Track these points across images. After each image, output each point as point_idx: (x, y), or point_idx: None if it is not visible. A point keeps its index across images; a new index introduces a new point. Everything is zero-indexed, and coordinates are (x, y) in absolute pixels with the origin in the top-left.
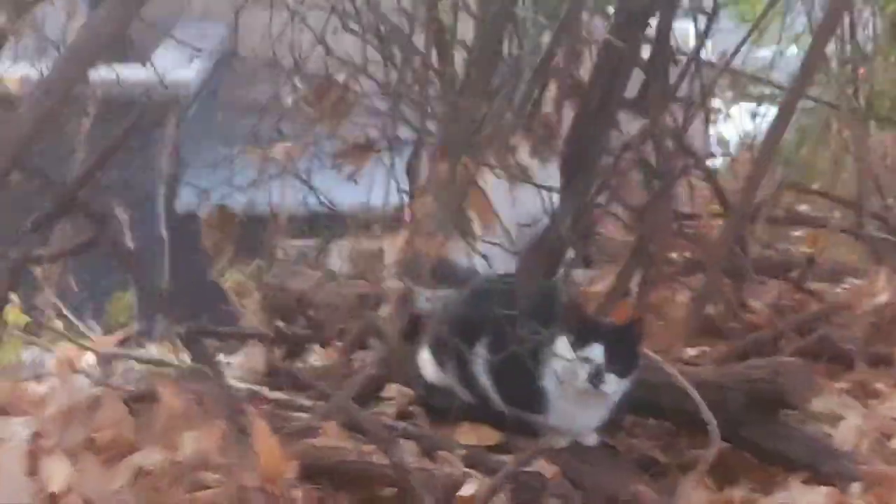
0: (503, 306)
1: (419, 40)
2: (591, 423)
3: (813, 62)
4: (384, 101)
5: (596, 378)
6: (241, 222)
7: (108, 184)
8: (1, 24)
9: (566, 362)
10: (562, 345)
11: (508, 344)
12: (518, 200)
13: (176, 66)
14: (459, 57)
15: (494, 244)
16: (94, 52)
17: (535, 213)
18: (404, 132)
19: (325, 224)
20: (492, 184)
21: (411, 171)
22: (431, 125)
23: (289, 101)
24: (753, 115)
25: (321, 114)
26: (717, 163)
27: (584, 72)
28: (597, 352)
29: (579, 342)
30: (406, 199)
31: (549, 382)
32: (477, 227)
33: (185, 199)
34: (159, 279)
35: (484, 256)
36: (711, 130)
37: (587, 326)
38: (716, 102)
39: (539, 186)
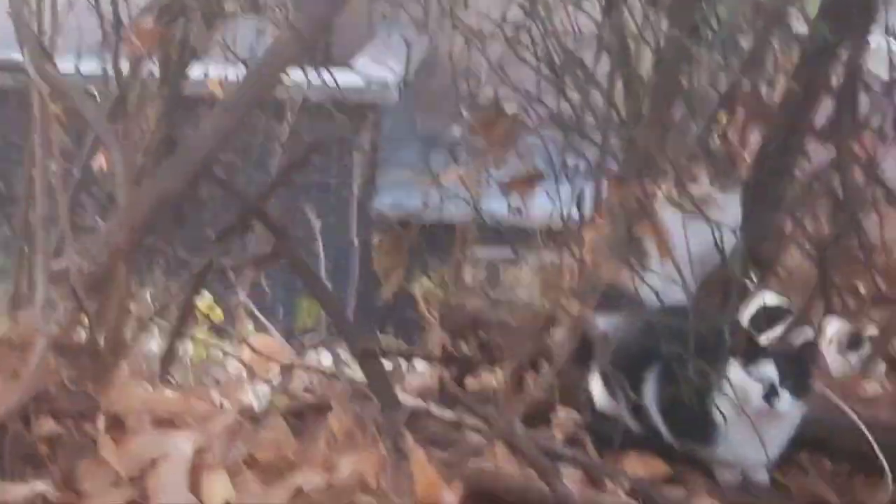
0: (675, 338)
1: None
2: (763, 454)
3: None
4: (555, 130)
5: (771, 395)
6: (425, 233)
7: (306, 188)
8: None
9: (739, 383)
10: (733, 369)
11: (679, 375)
12: (694, 233)
13: (376, 70)
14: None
15: (667, 277)
16: (285, 62)
17: (710, 246)
18: (573, 159)
19: (511, 235)
20: (669, 216)
21: (581, 200)
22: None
23: (457, 131)
24: None
25: (490, 143)
26: None
27: (773, 97)
28: (769, 370)
29: (750, 363)
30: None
31: (720, 410)
32: (652, 259)
33: (383, 203)
34: (349, 285)
35: (653, 289)
36: None
37: (758, 348)
38: None
39: (713, 221)
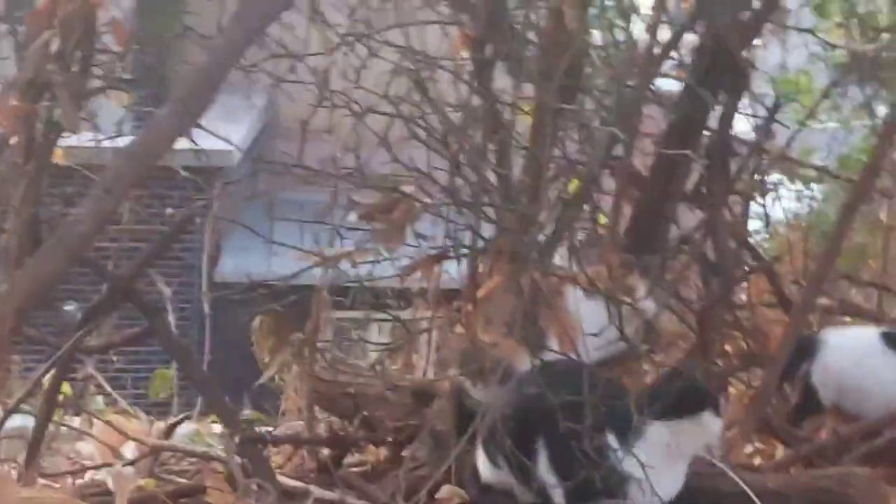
0: (569, 407)
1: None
2: None
3: (876, 165)
4: (449, 208)
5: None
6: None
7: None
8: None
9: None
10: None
11: (573, 443)
12: (587, 311)
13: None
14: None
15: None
16: (156, 152)
17: (602, 323)
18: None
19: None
20: (570, 293)
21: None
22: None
23: (351, 215)
24: (799, 196)
25: (387, 227)
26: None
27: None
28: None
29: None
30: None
31: (617, 475)
32: (553, 338)
33: (228, 268)
34: (201, 353)
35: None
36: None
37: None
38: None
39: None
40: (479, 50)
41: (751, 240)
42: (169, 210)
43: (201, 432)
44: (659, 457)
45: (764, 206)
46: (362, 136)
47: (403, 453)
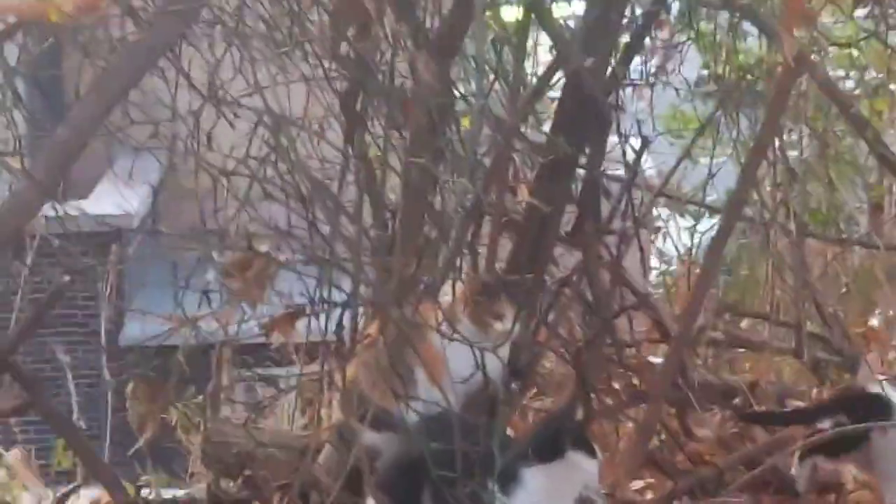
0: (445, 457)
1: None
2: None
3: (744, 187)
4: (310, 265)
5: None
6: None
7: (51, 322)
8: None
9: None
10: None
11: (451, 494)
12: (452, 350)
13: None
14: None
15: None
16: (15, 225)
17: (469, 368)
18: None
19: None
20: (437, 340)
21: (340, 330)
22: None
23: (210, 274)
24: (691, 232)
25: (245, 284)
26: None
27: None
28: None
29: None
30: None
31: None
32: (419, 384)
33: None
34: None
35: (420, 413)
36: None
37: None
38: (658, 218)
39: (474, 344)
40: (349, 106)
41: (646, 276)
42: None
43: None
44: (541, 501)
45: (654, 243)
46: (229, 197)
47: None
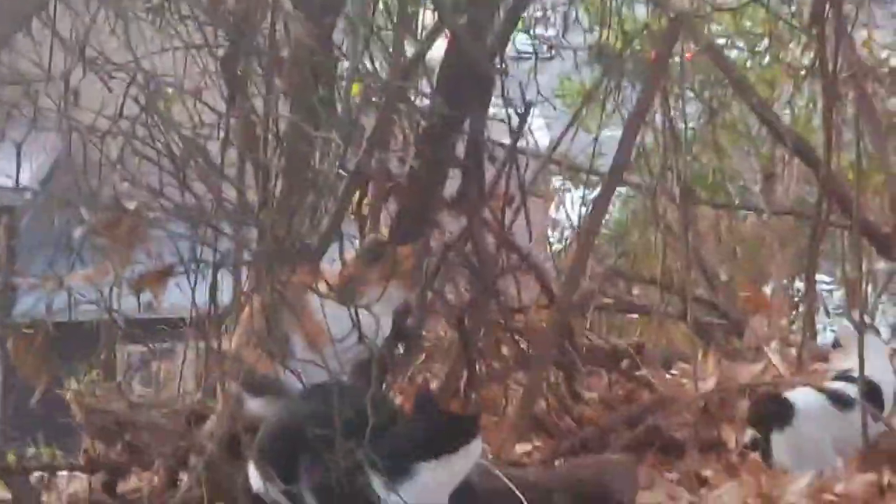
0: (324, 421)
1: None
2: None
3: (625, 151)
4: (183, 224)
5: None
6: (65, 334)
7: None
8: None
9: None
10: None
11: (328, 458)
12: (331, 317)
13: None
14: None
15: (309, 361)
16: None
17: (346, 328)
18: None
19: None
20: (314, 301)
21: (214, 292)
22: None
23: (77, 233)
24: (583, 201)
25: (114, 243)
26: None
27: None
28: None
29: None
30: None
31: (373, 489)
32: (297, 345)
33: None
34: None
35: (294, 372)
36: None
37: None
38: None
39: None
40: (229, 67)
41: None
42: None
43: None
44: (431, 494)
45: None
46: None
47: (176, 479)
